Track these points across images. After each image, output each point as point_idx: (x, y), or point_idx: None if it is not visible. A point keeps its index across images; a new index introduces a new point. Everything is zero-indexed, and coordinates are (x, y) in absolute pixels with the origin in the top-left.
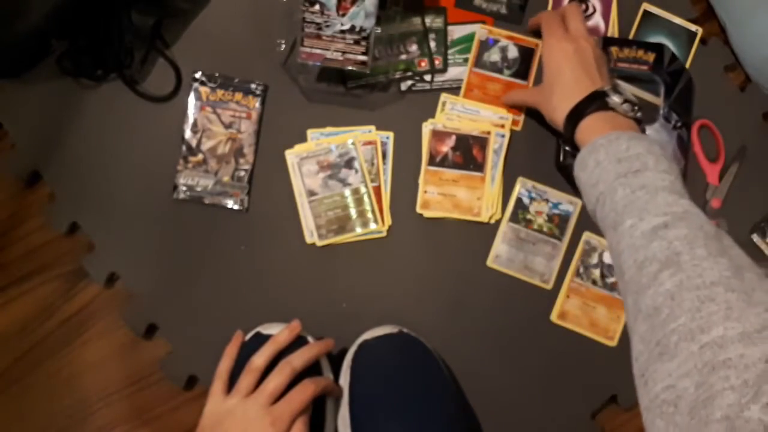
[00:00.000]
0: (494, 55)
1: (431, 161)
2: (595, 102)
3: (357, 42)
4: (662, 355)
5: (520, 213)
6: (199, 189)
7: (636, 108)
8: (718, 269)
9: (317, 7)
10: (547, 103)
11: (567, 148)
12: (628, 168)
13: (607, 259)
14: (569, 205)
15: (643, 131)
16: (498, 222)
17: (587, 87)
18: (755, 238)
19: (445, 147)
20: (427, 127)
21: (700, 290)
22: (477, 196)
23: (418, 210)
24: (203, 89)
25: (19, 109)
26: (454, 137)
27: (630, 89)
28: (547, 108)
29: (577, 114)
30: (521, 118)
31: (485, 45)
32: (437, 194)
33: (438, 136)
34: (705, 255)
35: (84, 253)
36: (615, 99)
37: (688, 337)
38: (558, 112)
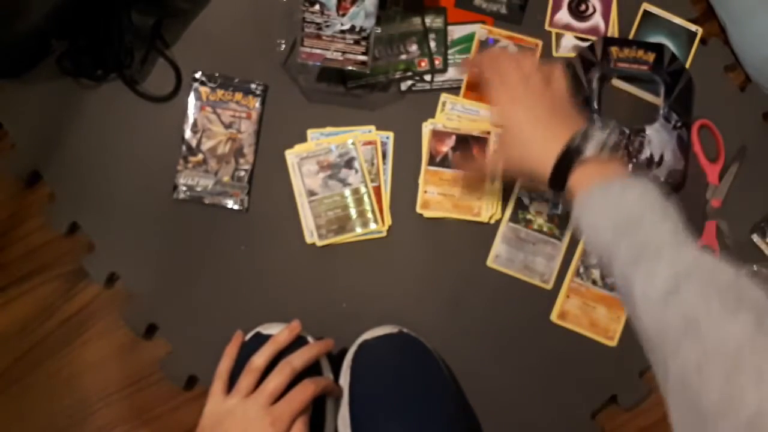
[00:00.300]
0: None
1: (431, 161)
2: (570, 157)
3: (357, 42)
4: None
5: (520, 213)
6: (199, 189)
7: (614, 148)
8: (738, 329)
9: (317, 7)
10: (518, 164)
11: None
12: (626, 221)
13: None
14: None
15: (642, 129)
16: (498, 222)
17: (559, 141)
18: (755, 238)
19: (445, 147)
20: (427, 127)
21: (725, 358)
22: (477, 196)
23: (418, 210)
24: (203, 89)
25: (19, 109)
26: (454, 137)
27: (630, 89)
28: (522, 172)
29: (559, 176)
30: None
31: (485, 45)
32: (437, 194)
33: (438, 136)
34: (723, 315)
35: (84, 253)
36: (591, 150)
37: (723, 413)
38: (537, 173)
